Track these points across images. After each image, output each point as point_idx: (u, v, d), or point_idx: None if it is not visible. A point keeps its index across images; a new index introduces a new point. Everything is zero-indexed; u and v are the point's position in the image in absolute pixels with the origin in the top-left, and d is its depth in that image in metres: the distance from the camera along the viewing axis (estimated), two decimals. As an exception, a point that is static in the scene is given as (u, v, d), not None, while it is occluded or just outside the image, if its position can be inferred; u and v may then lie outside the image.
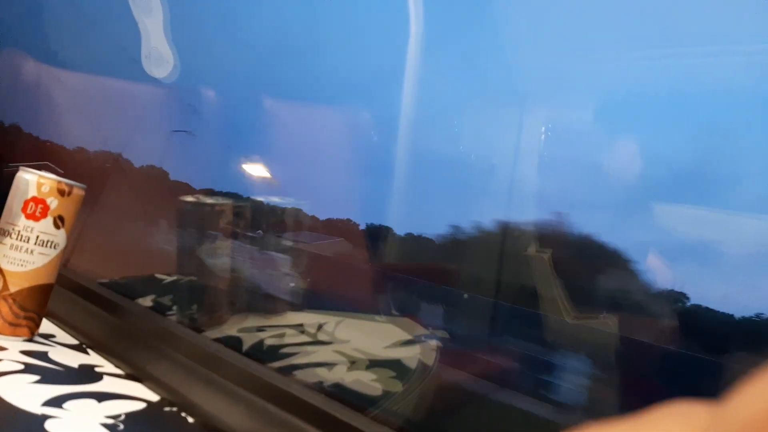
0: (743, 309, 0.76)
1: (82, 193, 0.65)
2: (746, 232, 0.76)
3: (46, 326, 0.71)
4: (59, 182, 0.63)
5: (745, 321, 0.73)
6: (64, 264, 0.95)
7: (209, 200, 0.74)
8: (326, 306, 0.88)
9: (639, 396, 0.74)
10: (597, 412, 0.64)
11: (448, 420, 0.67)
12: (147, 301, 0.84)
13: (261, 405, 0.54)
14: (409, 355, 0.73)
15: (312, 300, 0.87)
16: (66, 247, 0.65)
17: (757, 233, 0.67)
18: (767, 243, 0.65)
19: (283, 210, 0.80)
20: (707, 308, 0.83)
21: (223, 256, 0.76)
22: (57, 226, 0.63)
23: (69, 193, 0.64)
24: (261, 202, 0.81)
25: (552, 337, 1.08)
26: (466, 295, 0.88)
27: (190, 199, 0.74)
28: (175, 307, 0.78)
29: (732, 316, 0.78)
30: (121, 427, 0.49)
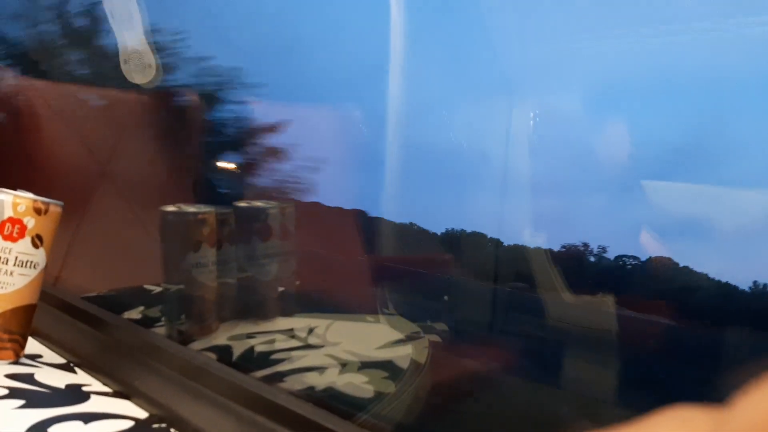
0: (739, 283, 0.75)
1: (59, 210, 0.64)
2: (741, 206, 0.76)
3: (33, 346, 0.71)
4: (35, 201, 0.62)
5: (742, 293, 0.72)
6: (53, 282, 0.94)
7: (191, 209, 0.74)
8: (318, 307, 0.87)
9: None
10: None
11: (444, 416, 0.67)
12: (136, 313, 0.84)
13: (250, 417, 0.53)
14: (402, 355, 0.72)
15: (303, 303, 0.86)
16: (46, 267, 0.64)
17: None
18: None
19: (267, 213, 0.79)
20: (704, 282, 0.82)
21: (209, 264, 0.75)
22: (35, 246, 0.62)
23: (46, 212, 0.63)
24: (245, 207, 0.81)
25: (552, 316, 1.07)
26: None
27: (171, 208, 0.73)
28: (164, 318, 0.78)
29: (729, 286, 0.77)
30: (108, 448, 0.48)
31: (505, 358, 0.79)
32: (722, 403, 0.15)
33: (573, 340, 0.80)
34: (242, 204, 0.79)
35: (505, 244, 1.04)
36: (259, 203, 0.79)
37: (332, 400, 0.62)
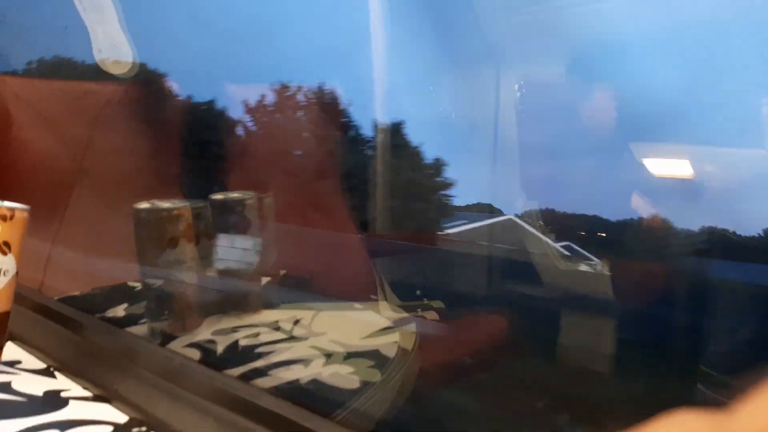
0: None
1: (25, 215, 0.62)
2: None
3: (13, 351, 0.69)
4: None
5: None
6: (39, 287, 0.93)
7: (165, 204, 0.72)
8: (304, 298, 0.86)
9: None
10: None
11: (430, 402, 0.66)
12: (120, 311, 0.83)
13: (230, 418, 0.52)
14: (388, 342, 0.71)
15: (287, 293, 0.85)
16: (17, 272, 0.63)
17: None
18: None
19: (245, 204, 0.77)
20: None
21: (188, 260, 0.73)
22: (3, 253, 0.61)
23: (11, 218, 0.61)
24: (222, 199, 0.79)
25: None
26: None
27: (144, 205, 0.71)
28: (146, 316, 0.77)
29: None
30: (84, 458, 0.47)
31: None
32: (723, 408, 0.15)
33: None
34: (218, 196, 0.77)
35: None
36: (235, 194, 0.77)
37: (316, 394, 0.61)
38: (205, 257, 0.74)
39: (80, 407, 0.57)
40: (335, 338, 0.72)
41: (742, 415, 0.15)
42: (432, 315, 1.21)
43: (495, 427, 0.62)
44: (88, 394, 0.60)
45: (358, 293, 0.90)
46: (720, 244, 0.75)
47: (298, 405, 0.50)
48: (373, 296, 0.84)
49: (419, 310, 1.02)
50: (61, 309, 0.72)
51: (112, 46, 1.22)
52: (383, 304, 0.95)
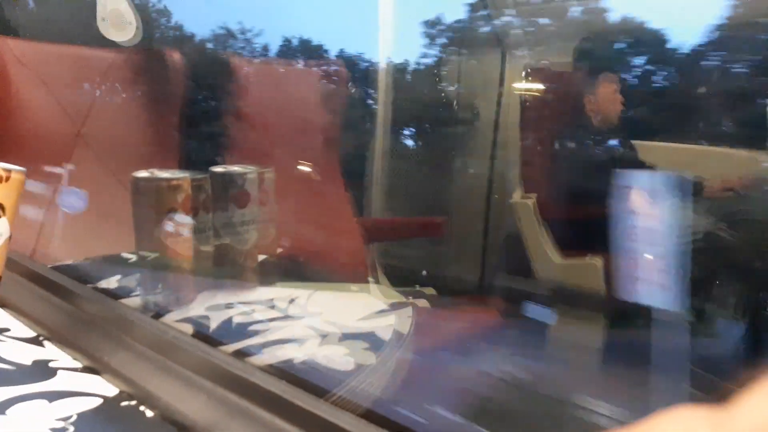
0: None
1: (22, 177, 0.61)
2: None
3: (2, 319, 0.68)
4: (-6, 168, 0.59)
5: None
6: (31, 254, 0.91)
7: (164, 174, 0.70)
8: (300, 276, 0.85)
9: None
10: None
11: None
12: (112, 283, 0.81)
13: (222, 394, 0.51)
14: (384, 325, 0.70)
15: (284, 271, 0.84)
16: (11, 237, 0.61)
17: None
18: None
19: (245, 178, 0.76)
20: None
21: (185, 232, 0.72)
22: (-3, 216, 0.59)
23: (7, 179, 0.59)
24: (222, 171, 0.77)
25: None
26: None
27: (143, 174, 0.70)
28: (139, 289, 0.75)
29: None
30: (71, 429, 0.46)
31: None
32: (723, 404, 0.15)
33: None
34: (219, 169, 0.75)
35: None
36: (236, 168, 0.76)
37: (310, 373, 0.60)
38: (203, 230, 0.73)
39: (69, 378, 0.56)
40: (331, 319, 0.70)
41: (741, 410, 0.15)
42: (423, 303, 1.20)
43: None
44: (77, 365, 0.59)
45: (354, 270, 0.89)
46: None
47: (291, 384, 0.49)
48: (369, 279, 0.83)
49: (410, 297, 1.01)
50: (53, 276, 0.71)
51: (116, 14, 1.20)
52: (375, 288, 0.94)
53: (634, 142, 1.65)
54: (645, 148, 1.64)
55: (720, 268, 1.30)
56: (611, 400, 0.78)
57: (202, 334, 0.67)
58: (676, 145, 1.59)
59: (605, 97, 1.68)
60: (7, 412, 0.47)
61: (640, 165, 1.65)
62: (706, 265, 1.30)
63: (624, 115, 1.68)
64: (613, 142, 1.68)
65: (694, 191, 1.49)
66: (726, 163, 1.45)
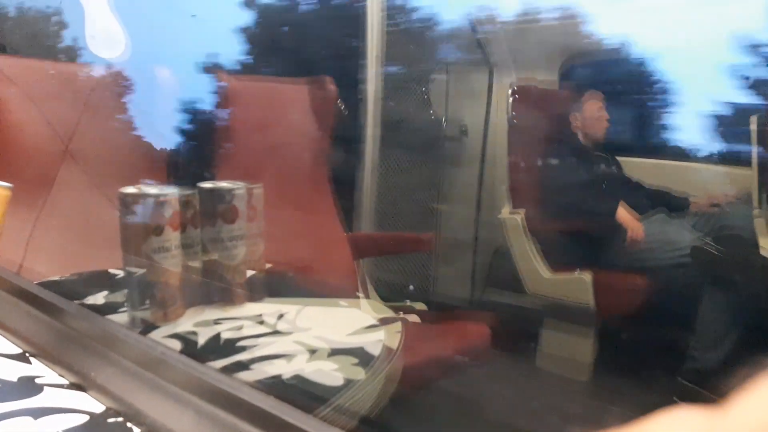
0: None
1: (8, 193, 0.61)
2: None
3: (-13, 335, 0.68)
4: (-20, 184, 0.58)
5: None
6: (17, 270, 0.91)
7: (152, 190, 0.70)
8: (289, 292, 0.85)
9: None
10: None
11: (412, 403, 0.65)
12: (99, 299, 0.81)
13: (210, 410, 0.51)
14: (373, 340, 0.70)
15: (272, 287, 0.84)
16: (-3, 253, 0.61)
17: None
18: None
19: (233, 194, 0.76)
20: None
21: (172, 248, 0.72)
22: (-18, 232, 0.59)
23: (-7, 195, 0.59)
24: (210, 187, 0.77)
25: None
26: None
27: (131, 190, 0.70)
28: (127, 304, 0.75)
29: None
30: (57, 446, 0.46)
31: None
32: (720, 404, 0.15)
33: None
34: (207, 185, 0.76)
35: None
36: (224, 183, 0.76)
37: (299, 389, 0.59)
38: (191, 246, 0.73)
39: (55, 395, 0.55)
40: (320, 334, 0.70)
41: (738, 411, 0.15)
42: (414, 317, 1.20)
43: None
44: (64, 381, 0.59)
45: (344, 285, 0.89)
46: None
47: (280, 400, 0.48)
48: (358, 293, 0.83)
49: (400, 312, 1.01)
50: (39, 293, 0.70)
51: (105, 31, 1.20)
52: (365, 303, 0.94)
53: (619, 158, 1.67)
54: (631, 164, 1.66)
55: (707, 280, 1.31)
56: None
57: (189, 350, 0.67)
58: (662, 161, 1.61)
59: (591, 114, 1.71)
60: (-8, 429, 0.46)
61: (626, 181, 1.68)
62: (693, 277, 1.31)
63: (609, 132, 1.70)
64: (599, 158, 1.70)
65: (680, 206, 1.50)
66: (715, 179, 1.47)
